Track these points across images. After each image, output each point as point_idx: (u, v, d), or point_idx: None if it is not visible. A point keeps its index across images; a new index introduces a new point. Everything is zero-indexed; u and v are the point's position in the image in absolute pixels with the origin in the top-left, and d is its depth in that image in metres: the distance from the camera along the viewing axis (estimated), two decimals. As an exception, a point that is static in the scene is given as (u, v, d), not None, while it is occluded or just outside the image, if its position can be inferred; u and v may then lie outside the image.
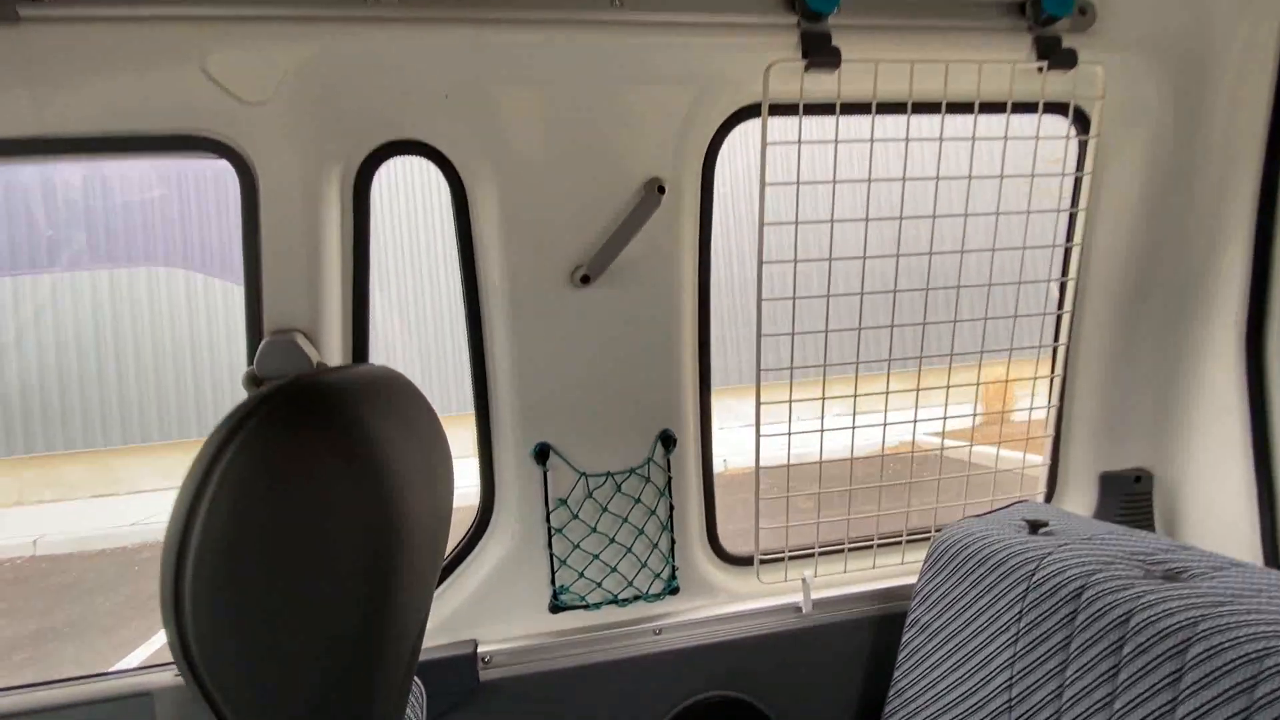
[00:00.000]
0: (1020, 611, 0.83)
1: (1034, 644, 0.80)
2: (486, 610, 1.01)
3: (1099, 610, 0.74)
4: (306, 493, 0.36)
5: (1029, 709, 0.80)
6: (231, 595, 0.34)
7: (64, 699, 0.88)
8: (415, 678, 0.76)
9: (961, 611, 0.91)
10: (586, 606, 1.02)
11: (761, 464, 1.05)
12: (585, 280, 0.91)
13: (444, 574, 1.02)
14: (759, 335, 0.99)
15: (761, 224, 0.94)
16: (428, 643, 0.99)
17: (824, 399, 1.02)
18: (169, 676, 0.91)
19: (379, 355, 0.91)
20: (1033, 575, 0.83)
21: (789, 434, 1.02)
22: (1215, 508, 1.11)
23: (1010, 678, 0.83)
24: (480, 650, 0.97)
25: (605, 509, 1.01)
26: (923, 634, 0.96)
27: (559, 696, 0.99)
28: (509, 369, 0.95)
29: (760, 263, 0.96)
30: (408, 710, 0.68)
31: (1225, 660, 0.62)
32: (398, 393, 0.48)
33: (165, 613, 0.34)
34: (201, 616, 0.33)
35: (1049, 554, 0.84)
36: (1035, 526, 0.92)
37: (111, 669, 0.93)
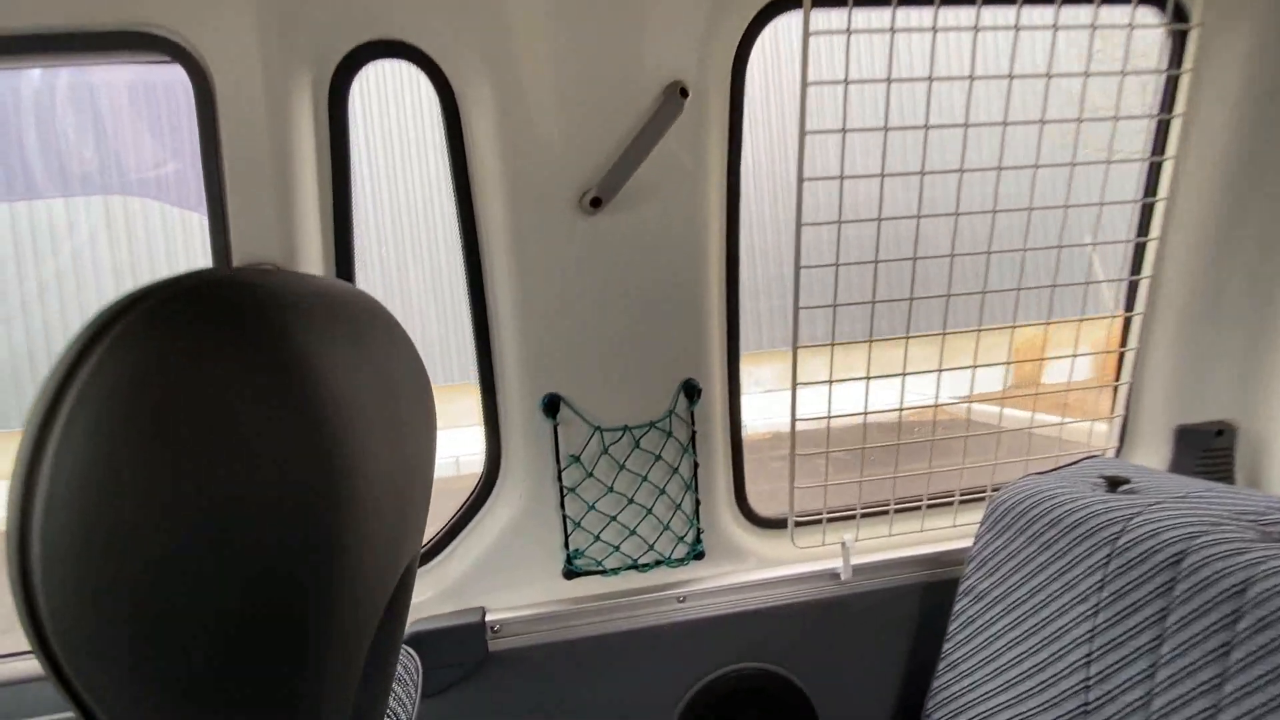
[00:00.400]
0: (1102, 580, 0.72)
1: (1120, 616, 0.70)
2: (495, 577, 0.92)
3: (1206, 579, 0.63)
4: (204, 418, 0.25)
5: (1111, 690, 0.70)
6: (95, 560, 0.24)
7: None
8: (409, 651, 0.68)
9: (1028, 579, 0.81)
10: (603, 572, 0.93)
11: (789, 424, 0.93)
12: (596, 204, 0.79)
13: (448, 538, 0.93)
14: (797, 266, 0.86)
15: (803, 132, 0.80)
16: (431, 611, 0.91)
17: (871, 340, 0.90)
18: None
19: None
20: (1118, 539, 0.72)
21: (830, 381, 0.91)
22: None
23: (1089, 654, 0.72)
24: (489, 619, 0.88)
25: (622, 466, 0.91)
26: (979, 602, 0.86)
27: (573, 668, 0.91)
28: (512, 310, 0.85)
29: (800, 179, 0.83)
30: (398, 689, 0.59)
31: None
32: (359, 315, 0.37)
33: (13, 585, 0.24)
34: (57, 589, 0.23)
35: (1137, 514, 0.72)
36: (1115, 483, 0.81)
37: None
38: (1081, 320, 1.01)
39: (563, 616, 0.91)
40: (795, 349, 0.90)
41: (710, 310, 0.89)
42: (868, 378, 0.92)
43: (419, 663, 0.67)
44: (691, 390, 0.90)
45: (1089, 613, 0.73)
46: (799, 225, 0.85)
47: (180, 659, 0.25)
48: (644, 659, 0.93)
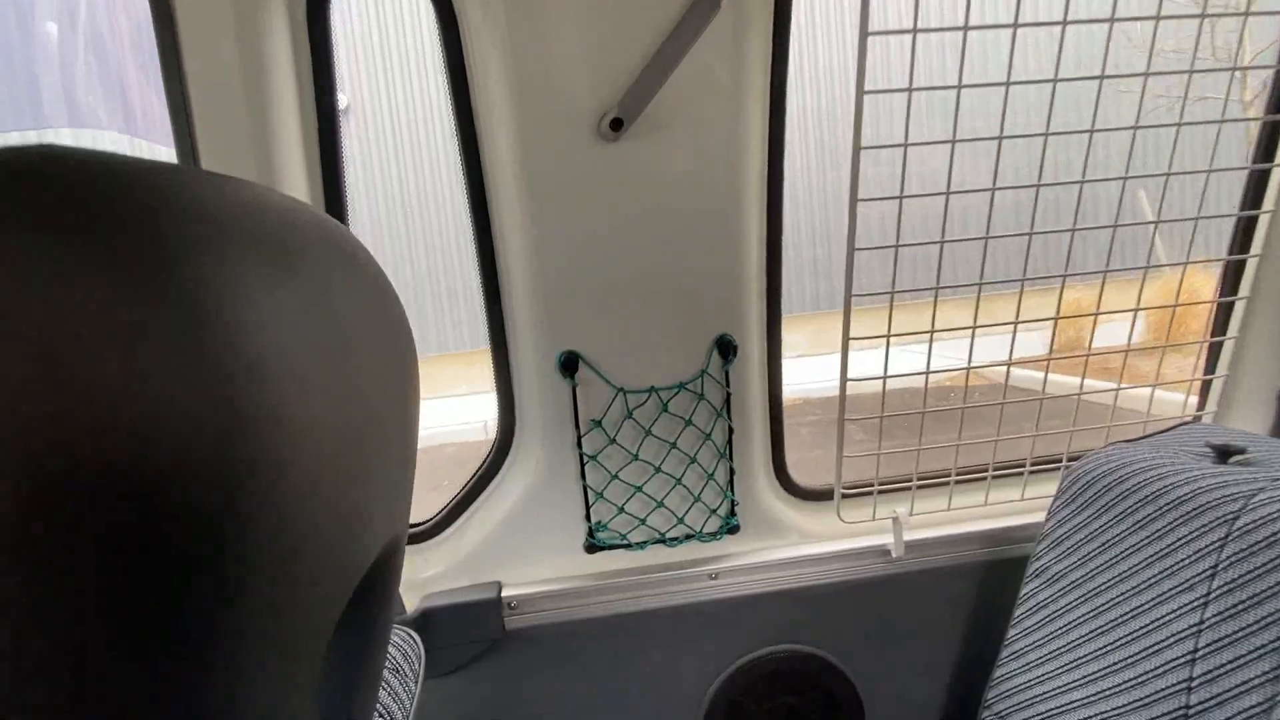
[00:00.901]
0: (1214, 566, 0.61)
1: (1237, 610, 0.59)
2: (511, 550, 0.85)
3: (1360, 570, 0.52)
4: (40, 365, 0.17)
5: (1221, 694, 0.59)
6: None
7: None
8: (410, 634, 0.61)
9: (1115, 562, 0.70)
10: (629, 546, 0.86)
11: (835, 386, 0.83)
12: (616, 126, 0.68)
13: (459, 509, 0.86)
14: (853, 197, 0.74)
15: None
16: (443, 585, 0.84)
17: (937, 289, 0.78)
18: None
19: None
20: (1235, 519, 0.61)
21: (888, 335, 0.79)
22: None
23: (1194, 651, 0.62)
24: (505, 595, 0.82)
25: (649, 432, 0.82)
26: (1052, 585, 0.76)
27: (596, 648, 0.85)
28: (523, 255, 0.75)
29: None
30: (393, 679, 0.52)
31: None
32: (307, 242, 0.28)
33: None
34: None
35: (1260, 490, 0.61)
36: (1225, 453, 0.69)
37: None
38: (1186, 265, 0.87)
39: (584, 593, 0.84)
40: (848, 297, 0.78)
41: (749, 254, 0.78)
42: (931, 331, 0.81)
43: (422, 648, 0.61)
44: (726, 347, 0.80)
45: (1196, 604, 0.62)
46: (856, 155, 0.73)
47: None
48: (672, 640, 0.86)
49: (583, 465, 0.82)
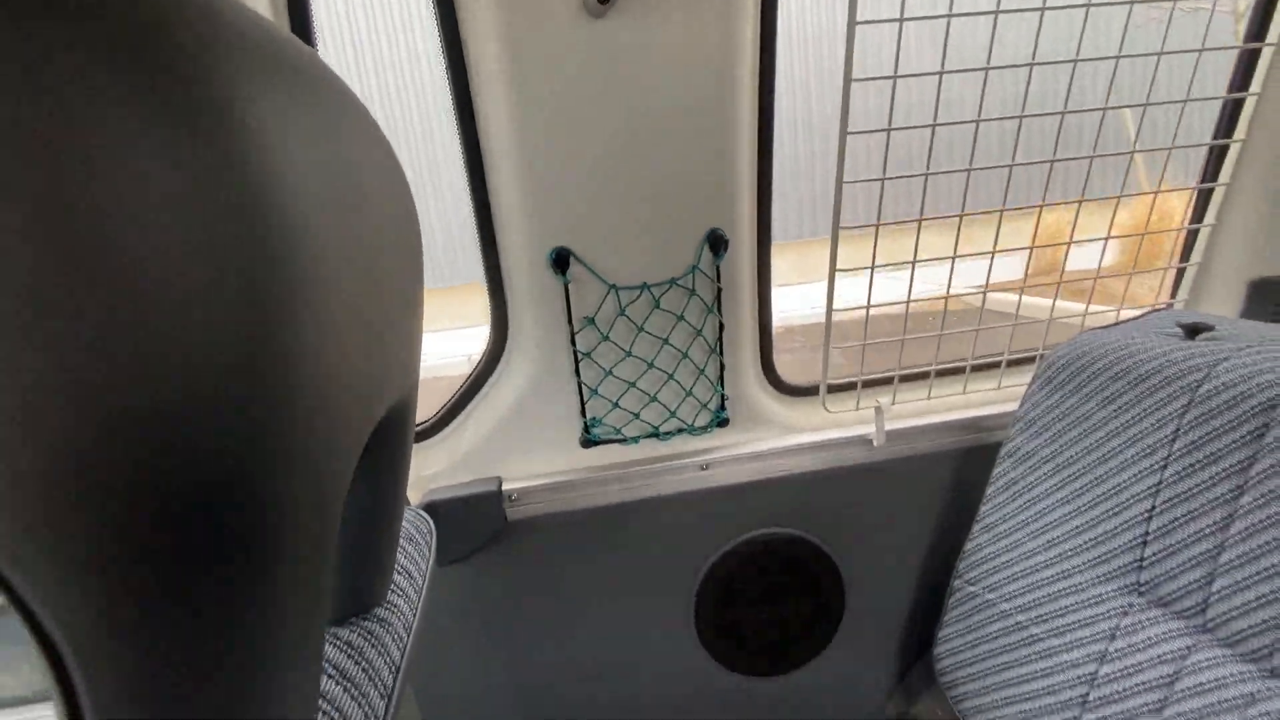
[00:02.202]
0: (1176, 430, 0.65)
1: (1195, 468, 0.64)
2: (510, 446, 0.88)
3: (1308, 422, 0.56)
4: (77, 180, 0.16)
5: (1173, 544, 0.65)
6: None
7: None
8: (423, 514, 0.64)
9: (1083, 437, 0.74)
10: (623, 441, 0.89)
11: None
12: None
13: (457, 408, 0.88)
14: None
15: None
16: (447, 480, 0.87)
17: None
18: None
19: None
20: (1199, 386, 0.64)
21: (877, 223, 0.80)
22: None
23: (1151, 508, 0.67)
24: (505, 488, 0.85)
25: (641, 329, 0.83)
26: (1023, 464, 0.81)
27: (594, 535, 0.89)
28: (511, 148, 0.73)
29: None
30: (408, 546, 0.55)
31: None
32: (316, 78, 0.27)
33: None
34: None
35: (1224, 359, 0.64)
36: (1194, 331, 0.72)
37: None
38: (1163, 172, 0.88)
39: (581, 485, 0.88)
40: (840, 186, 0.78)
41: (740, 145, 0.77)
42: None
43: (433, 528, 0.63)
44: (717, 242, 0.80)
45: (1156, 466, 0.67)
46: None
47: (103, 515, 0.18)
48: (665, 526, 0.91)
49: (577, 362, 0.84)
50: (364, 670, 0.40)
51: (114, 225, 0.17)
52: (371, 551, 0.44)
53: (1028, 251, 0.91)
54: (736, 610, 0.95)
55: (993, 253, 0.86)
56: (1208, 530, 0.62)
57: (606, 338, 0.83)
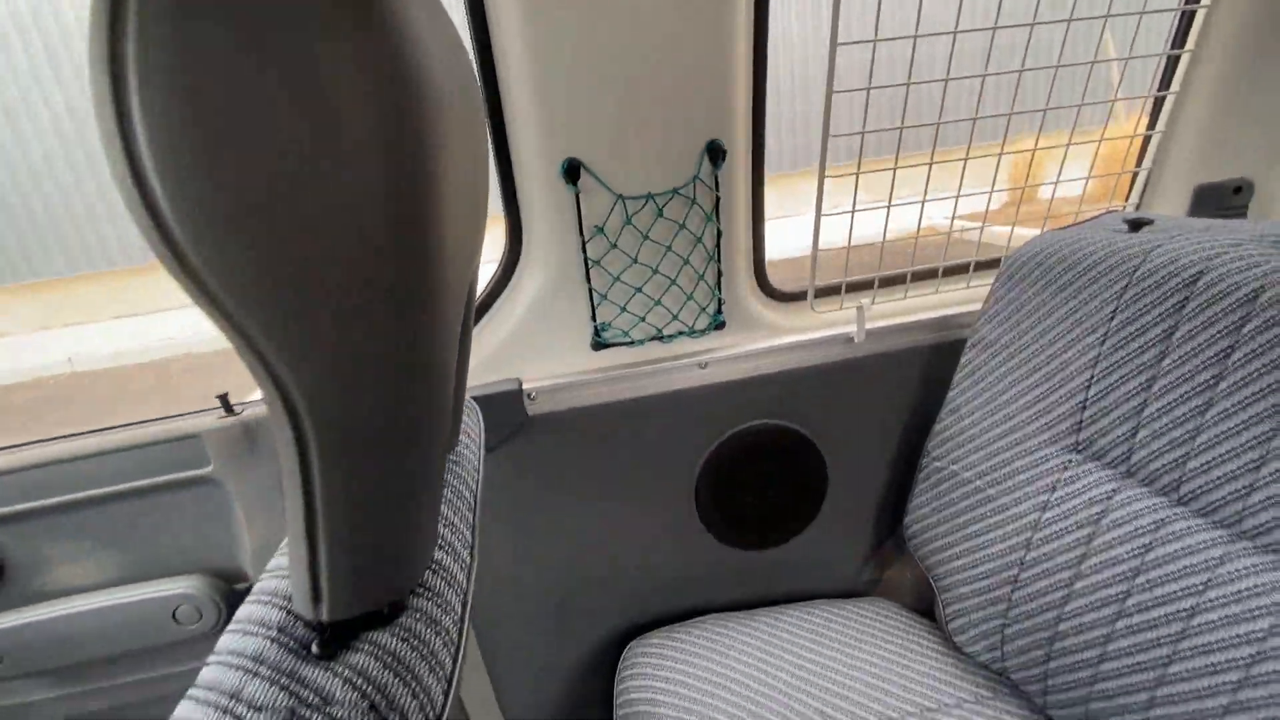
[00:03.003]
0: (1115, 310, 0.76)
1: (1127, 340, 0.74)
2: (528, 349, 0.96)
3: (1219, 292, 0.66)
4: (293, 28, 0.23)
5: (1108, 404, 0.76)
6: (214, 184, 0.23)
7: (120, 443, 0.88)
8: (473, 403, 0.72)
9: (1038, 323, 0.85)
10: (630, 343, 0.97)
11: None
12: None
13: (479, 313, 0.96)
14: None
15: None
16: (473, 380, 0.96)
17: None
18: (214, 419, 0.90)
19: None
20: (1136, 270, 0.74)
21: (863, 132, 0.87)
22: None
23: (1090, 378, 0.78)
24: (525, 387, 0.94)
25: (646, 237, 0.90)
26: (986, 352, 0.92)
27: (605, 429, 0.99)
28: (523, 61, 0.78)
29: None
30: (467, 427, 0.64)
31: (1385, 318, 0.54)
32: None
33: (146, 228, 0.23)
34: (173, 194, 0.23)
35: (1158, 246, 0.74)
36: (1137, 225, 0.82)
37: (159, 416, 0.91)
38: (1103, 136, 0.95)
39: (593, 384, 0.97)
40: (830, 93, 0.85)
41: (736, 56, 0.83)
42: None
43: (481, 414, 0.72)
44: (716, 152, 0.87)
45: (1097, 341, 0.78)
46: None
47: (315, 269, 0.26)
48: (669, 420, 1.01)
49: (587, 270, 0.91)
50: (448, 525, 0.48)
51: (340, 98, 0.24)
52: (456, 400, 0.53)
53: (1000, 178, 0.99)
54: (732, 494, 1.07)
55: (965, 158, 0.94)
56: (1134, 391, 0.74)
57: (615, 246, 0.90)
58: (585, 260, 0.90)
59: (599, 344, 0.97)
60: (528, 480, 0.99)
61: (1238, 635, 0.61)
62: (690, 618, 1.09)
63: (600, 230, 0.89)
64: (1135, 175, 1.05)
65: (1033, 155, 0.99)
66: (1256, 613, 0.60)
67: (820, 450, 1.07)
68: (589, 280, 0.92)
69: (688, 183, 0.88)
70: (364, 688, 0.31)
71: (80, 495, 0.89)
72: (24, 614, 0.90)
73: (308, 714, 0.30)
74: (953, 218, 0.99)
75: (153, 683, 1.00)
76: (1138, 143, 1.04)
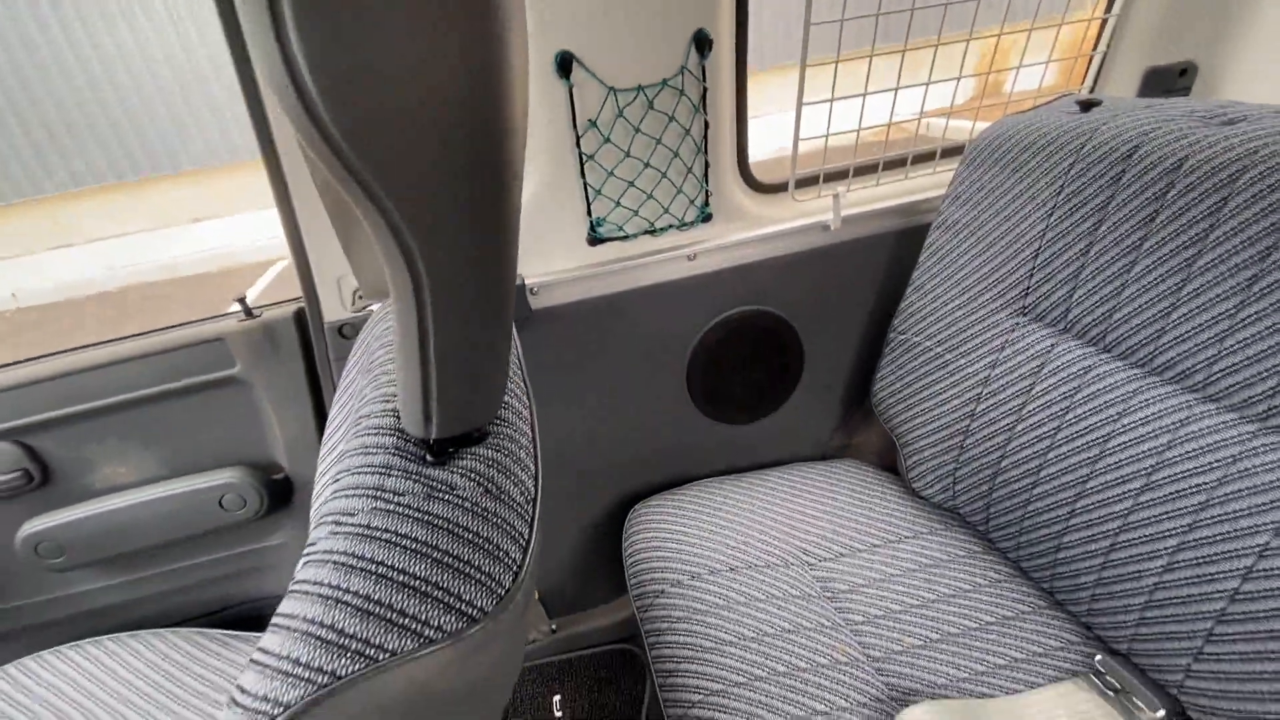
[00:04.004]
0: (1062, 185, 0.85)
1: (1071, 211, 0.84)
2: (528, 246, 1.01)
3: (1150, 164, 0.75)
4: None
5: (1051, 271, 0.87)
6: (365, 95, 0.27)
7: (147, 349, 0.92)
8: None
9: (995, 202, 0.93)
10: (624, 237, 1.03)
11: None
12: None
13: None
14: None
15: None
16: None
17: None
18: (234, 322, 0.95)
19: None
20: (1082, 147, 0.83)
21: (841, 20, 0.91)
22: (1260, 97, 1.08)
23: (1039, 248, 0.88)
24: (528, 282, 1.00)
25: (638, 130, 0.94)
26: (949, 232, 1.01)
27: (603, 320, 1.07)
28: None
29: None
30: None
31: (1277, 177, 0.64)
32: None
33: (288, 102, 0.28)
34: (329, 98, 0.27)
35: (1103, 124, 0.82)
36: (1088, 105, 0.89)
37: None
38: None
39: (590, 278, 1.03)
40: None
41: None
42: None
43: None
44: (702, 42, 0.90)
45: (1045, 215, 0.87)
46: None
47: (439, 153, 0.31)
48: (661, 309, 1.09)
49: (582, 165, 0.95)
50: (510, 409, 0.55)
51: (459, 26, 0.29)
52: None
53: (970, 69, 1.04)
54: (720, 374, 1.18)
55: (935, 44, 0.98)
56: (1074, 257, 0.84)
57: (608, 140, 0.94)
58: (580, 155, 0.94)
59: (595, 239, 1.03)
60: (533, 370, 1.07)
61: (1141, 452, 0.75)
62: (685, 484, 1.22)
63: (593, 124, 0.92)
64: (1091, 59, 1.11)
65: (998, 41, 1.04)
66: (1157, 432, 0.74)
67: (798, 332, 1.17)
68: (584, 175, 0.96)
69: (676, 73, 0.91)
70: (477, 478, 0.41)
71: (115, 400, 0.95)
72: (80, 509, 0.98)
73: (440, 495, 0.39)
74: (922, 105, 1.05)
75: (205, 566, 1.10)
76: (1095, 27, 1.09)
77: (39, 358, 0.93)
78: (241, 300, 0.96)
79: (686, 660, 0.85)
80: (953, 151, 1.12)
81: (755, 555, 1.01)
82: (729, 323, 1.13)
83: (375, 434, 0.44)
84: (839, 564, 0.99)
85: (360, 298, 0.94)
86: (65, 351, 0.93)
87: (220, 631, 0.99)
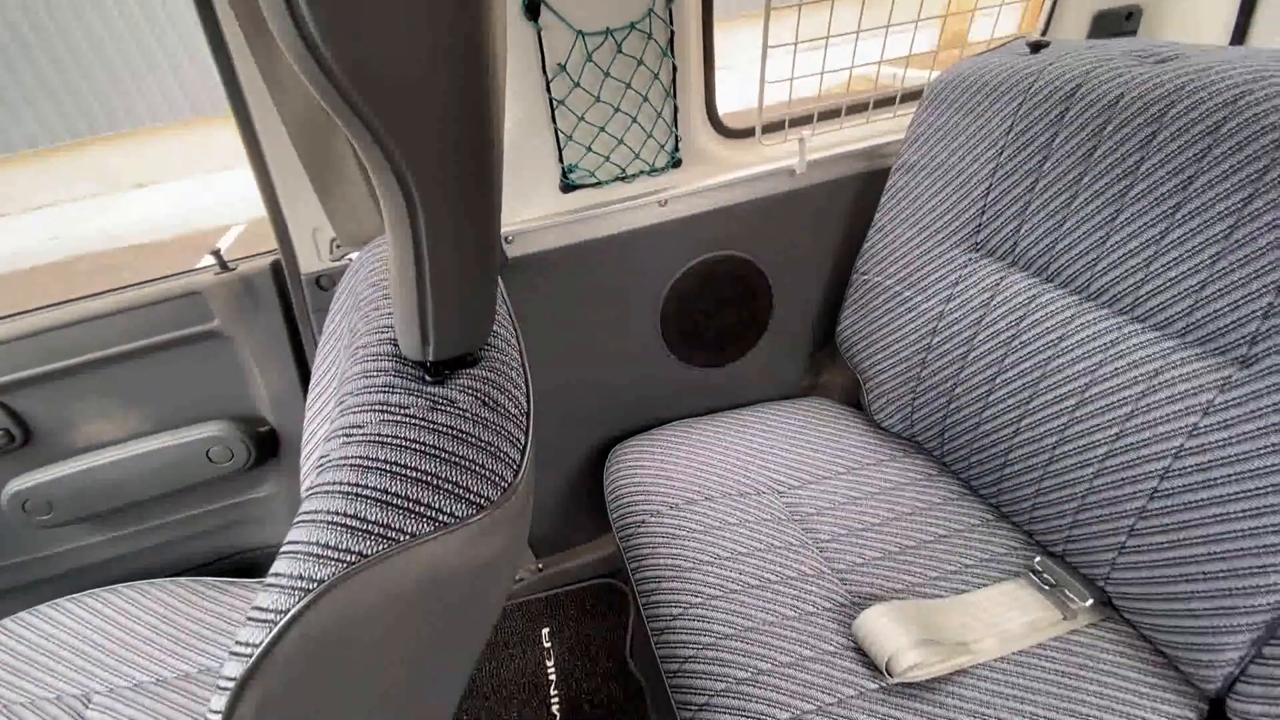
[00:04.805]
0: (1012, 124, 0.89)
1: (1019, 149, 0.89)
2: (502, 195, 1.03)
3: (1090, 101, 0.80)
4: None
5: (1000, 207, 0.92)
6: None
7: (123, 304, 0.92)
8: None
9: (950, 143, 0.98)
10: (596, 184, 1.05)
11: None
12: None
13: None
14: None
15: None
16: None
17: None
18: (211, 275, 0.95)
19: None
20: (1030, 88, 0.87)
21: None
22: (1198, 38, 1.14)
23: (989, 186, 0.93)
24: (504, 231, 1.02)
25: (607, 74, 0.95)
26: (908, 173, 1.05)
27: (578, 267, 1.09)
28: None
29: None
30: None
31: (1201, 109, 0.70)
32: None
33: (299, 56, 0.29)
34: (336, 50, 0.29)
35: (1049, 65, 0.86)
36: (1037, 47, 0.93)
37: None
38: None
39: (565, 225, 1.06)
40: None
41: None
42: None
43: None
44: None
45: (995, 154, 0.92)
46: None
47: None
48: (634, 255, 1.12)
49: (553, 110, 0.96)
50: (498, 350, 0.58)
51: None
52: None
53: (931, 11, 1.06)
54: (692, 319, 1.22)
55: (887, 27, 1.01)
56: (1021, 193, 0.89)
57: (578, 84, 0.95)
58: (550, 100, 0.95)
59: (567, 185, 1.04)
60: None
61: (1077, 371, 0.82)
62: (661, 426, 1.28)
63: (563, 68, 0.93)
64: (1044, 4, 1.15)
65: (956, -16, 1.07)
66: (1091, 353, 0.81)
67: (767, 276, 1.22)
68: (555, 121, 0.97)
69: (643, 16, 0.92)
70: (473, 393, 0.44)
71: (93, 356, 0.95)
72: (67, 465, 0.99)
73: (442, 408, 0.42)
74: (882, 51, 1.08)
75: (194, 519, 1.13)
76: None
77: (11, 315, 0.92)
78: (216, 253, 0.96)
79: (668, 579, 0.92)
80: (912, 95, 1.15)
81: (729, 486, 1.07)
82: (700, 268, 1.17)
83: (375, 360, 0.47)
84: (805, 491, 1.06)
85: (338, 247, 0.95)
86: (40, 309, 0.93)
87: (214, 579, 1.03)
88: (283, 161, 0.87)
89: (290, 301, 1.00)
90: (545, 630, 1.36)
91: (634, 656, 1.31)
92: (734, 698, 0.76)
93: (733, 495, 1.05)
